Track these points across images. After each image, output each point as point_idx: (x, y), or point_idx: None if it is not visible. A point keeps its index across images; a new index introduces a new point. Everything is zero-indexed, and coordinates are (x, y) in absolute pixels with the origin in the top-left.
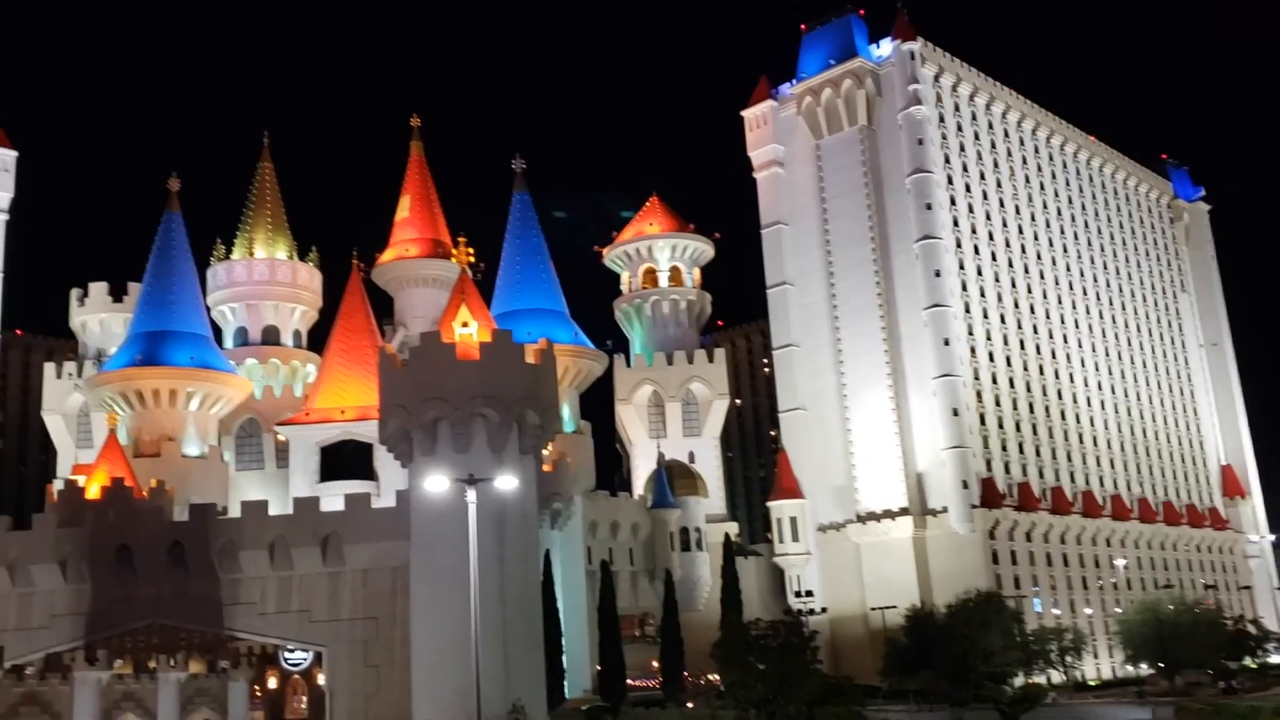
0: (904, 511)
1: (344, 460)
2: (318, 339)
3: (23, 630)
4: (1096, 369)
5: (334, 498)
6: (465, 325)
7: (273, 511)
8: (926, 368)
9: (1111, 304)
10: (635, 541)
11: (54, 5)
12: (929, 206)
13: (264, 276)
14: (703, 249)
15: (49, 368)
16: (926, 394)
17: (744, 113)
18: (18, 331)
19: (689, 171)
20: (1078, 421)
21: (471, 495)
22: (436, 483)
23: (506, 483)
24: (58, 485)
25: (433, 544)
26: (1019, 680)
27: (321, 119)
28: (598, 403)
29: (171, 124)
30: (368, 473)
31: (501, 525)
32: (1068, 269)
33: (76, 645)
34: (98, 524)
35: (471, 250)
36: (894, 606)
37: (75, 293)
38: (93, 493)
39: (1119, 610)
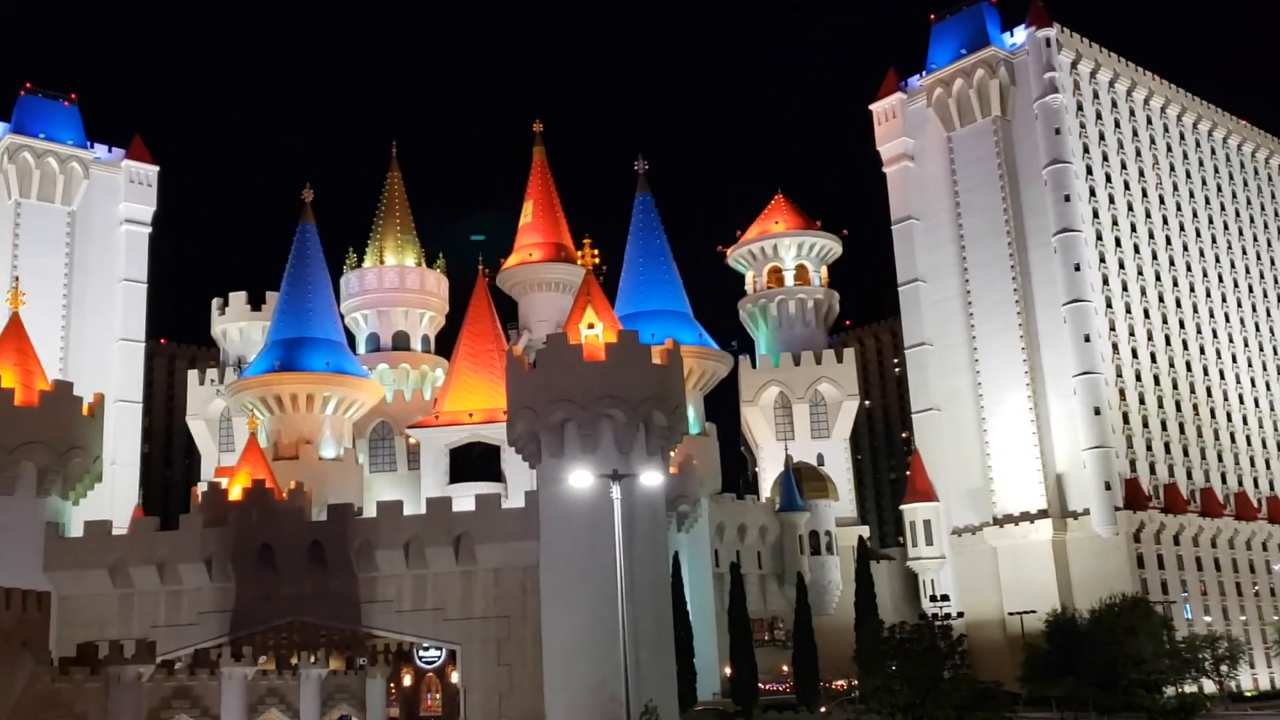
0: (1043, 514)
1: (472, 462)
2: (445, 344)
3: (172, 626)
4: (1249, 364)
5: (464, 499)
6: (591, 327)
7: (407, 512)
8: (1066, 365)
9: (1266, 295)
10: (763, 545)
11: (189, 22)
12: (1067, 198)
13: (394, 284)
14: (830, 246)
15: (192, 375)
16: (1066, 392)
17: (872, 106)
18: (162, 341)
19: (815, 168)
20: (1229, 420)
21: (616, 491)
22: (580, 478)
23: (651, 479)
24: (202, 487)
25: (562, 545)
26: (1169, 689)
27: (448, 125)
28: (723, 405)
29: (305, 134)
30: (495, 474)
31: (631, 526)
32: (1216, 260)
33: (222, 641)
34: (241, 524)
35: (596, 252)
36: (1033, 611)
37: (216, 302)
38: (235, 494)
39: (1277, 618)
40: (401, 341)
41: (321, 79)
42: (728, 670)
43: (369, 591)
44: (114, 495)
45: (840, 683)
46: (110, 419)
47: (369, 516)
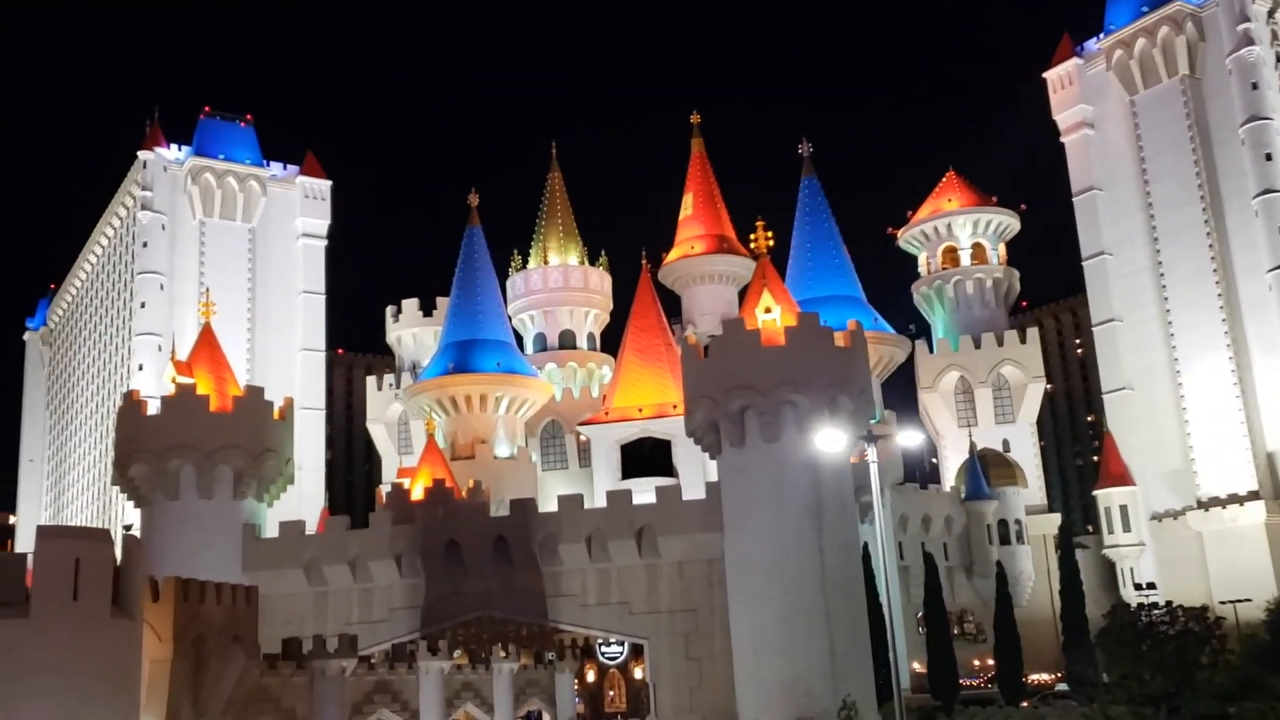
0: (1254, 495)
1: (643, 457)
2: (610, 341)
3: (366, 623)
4: None
5: (640, 494)
6: (769, 311)
7: (586, 506)
8: (1274, 336)
9: None
10: (949, 536)
11: (347, 35)
12: (1269, 157)
13: (558, 283)
14: (1007, 222)
15: (370, 381)
16: (1276, 365)
17: (1046, 74)
18: (339, 351)
19: (983, 144)
20: None
21: (873, 454)
22: (831, 439)
23: (910, 438)
24: (385, 489)
25: (748, 536)
26: None
27: (603, 122)
28: (899, 392)
29: (467, 139)
30: (667, 469)
31: (819, 515)
32: None
33: (413, 637)
34: (427, 520)
35: (770, 234)
36: (1249, 599)
37: (390, 310)
38: (417, 494)
39: None
40: (568, 340)
41: (481, 82)
42: (915, 666)
43: (554, 586)
44: (301, 499)
45: (1040, 677)
46: (296, 426)
47: (550, 511)
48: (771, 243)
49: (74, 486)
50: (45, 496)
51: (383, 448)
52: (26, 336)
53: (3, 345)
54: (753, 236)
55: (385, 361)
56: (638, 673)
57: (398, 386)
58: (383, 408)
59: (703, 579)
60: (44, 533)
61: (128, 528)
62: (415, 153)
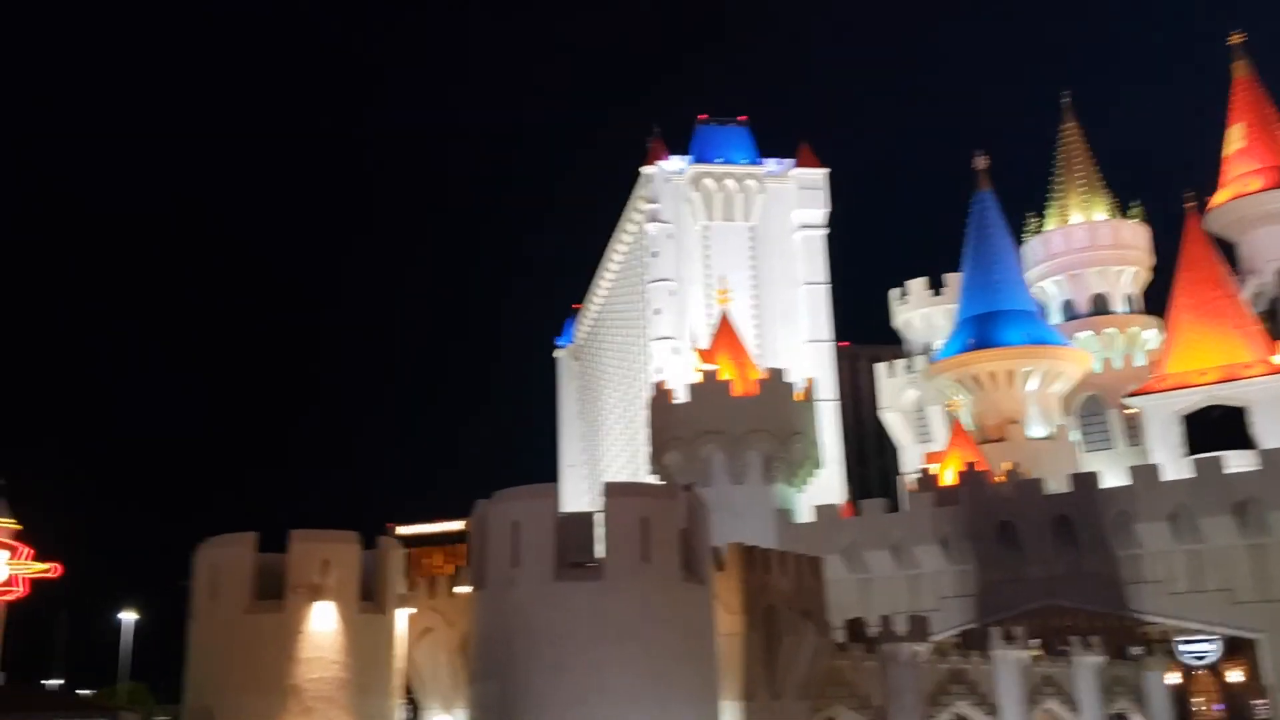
0: None
1: (1211, 428)
2: (1154, 300)
3: (916, 612)
4: None
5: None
6: None
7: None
8: None
9: None
10: None
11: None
12: None
13: (1083, 243)
14: None
15: (880, 368)
16: None
17: None
18: (841, 344)
19: None
20: None
21: None
22: None
23: None
24: (910, 477)
25: None
26: None
27: (1123, 59)
28: None
29: (964, 102)
30: (1243, 440)
31: None
32: None
33: (966, 627)
34: (973, 502)
35: None
36: None
37: (894, 293)
38: (947, 479)
39: None
40: (1101, 305)
41: (991, 32)
42: None
43: (1132, 571)
44: (823, 493)
45: None
46: None
47: (1121, 485)
48: None
49: None
50: (584, 498)
51: (898, 437)
52: (557, 354)
53: (540, 365)
54: None
55: (889, 350)
56: (1230, 675)
57: (911, 370)
58: (895, 395)
59: None
60: (612, 490)
61: (688, 487)
62: (908, 125)
